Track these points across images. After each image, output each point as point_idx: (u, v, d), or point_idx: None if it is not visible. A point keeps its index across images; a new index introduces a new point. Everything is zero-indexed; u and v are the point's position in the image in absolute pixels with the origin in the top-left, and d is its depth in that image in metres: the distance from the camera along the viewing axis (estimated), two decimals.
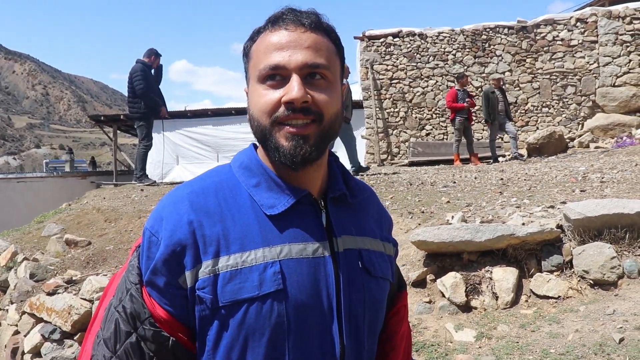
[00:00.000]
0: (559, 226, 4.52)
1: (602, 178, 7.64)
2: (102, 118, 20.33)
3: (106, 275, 5.58)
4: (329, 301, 1.10)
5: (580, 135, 13.53)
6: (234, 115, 17.95)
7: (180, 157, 17.87)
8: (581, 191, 6.63)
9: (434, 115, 14.69)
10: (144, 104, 10.16)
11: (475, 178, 8.82)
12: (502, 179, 8.44)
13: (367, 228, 1.25)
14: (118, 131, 20.20)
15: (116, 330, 1.08)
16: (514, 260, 4.44)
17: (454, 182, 8.33)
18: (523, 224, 4.58)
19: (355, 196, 1.26)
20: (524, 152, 12.88)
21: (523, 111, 14.15)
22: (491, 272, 4.36)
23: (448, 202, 6.21)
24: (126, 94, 10.38)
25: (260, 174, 1.14)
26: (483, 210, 5.42)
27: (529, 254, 4.42)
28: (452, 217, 5.10)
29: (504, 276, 4.27)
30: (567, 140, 13.31)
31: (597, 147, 12.67)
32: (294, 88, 1.06)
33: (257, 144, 1.21)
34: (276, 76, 1.08)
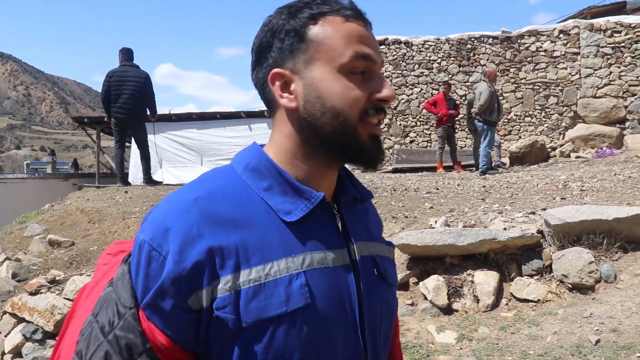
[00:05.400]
0: (540, 231, 4.61)
1: (582, 187, 7.77)
2: (85, 120, 20.17)
3: (90, 275, 5.57)
4: (352, 313, 1.01)
5: (561, 145, 13.70)
6: (219, 120, 17.92)
7: (164, 161, 17.80)
8: (561, 199, 6.75)
9: (418, 123, 14.81)
10: (152, 108, 10.39)
11: (458, 185, 8.92)
12: (484, 186, 8.55)
13: (373, 233, 1.18)
14: (102, 133, 20.07)
15: None
16: (495, 264, 4.52)
17: (437, 189, 8.42)
18: (504, 229, 4.66)
19: (363, 200, 1.17)
20: (506, 160, 13.03)
21: (506, 120, 14.32)
22: (473, 275, 4.43)
23: (431, 207, 6.29)
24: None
25: (271, 176, 1.01)
26: (465, 216, 5.50)
27: (509, 258, 4.51)
28: (436, 221, 5.17)
29: (485, 280, 4.35)
30: (549, 150, 13.48)
31: (577, 157, 12.85)
32: (387, 86, 1.01)
33: (259, 143, 1.09)
34: (362, 71, 1.00)
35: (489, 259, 4.52)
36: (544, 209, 5.47)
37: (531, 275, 4.40)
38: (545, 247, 4.52)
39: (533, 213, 5.27)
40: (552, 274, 4.36)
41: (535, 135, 13.95)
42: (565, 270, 4.25)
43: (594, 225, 4.37)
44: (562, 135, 14.09)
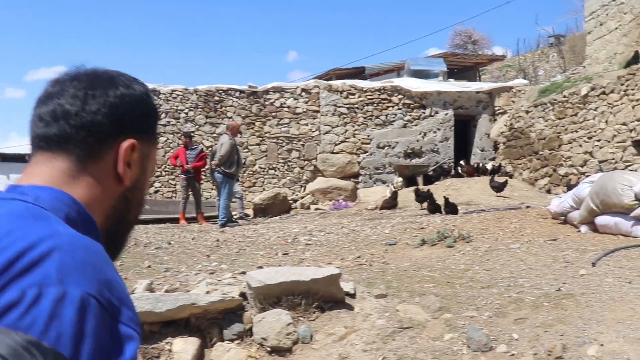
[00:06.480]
0: (243, 294, 4.56)
1: (309, 240, 8.09)
2: None
3: None
4: None
5: (302, 197, 14.40)
6: None
7: None
8: (284, 254, 6.92)
9: (164, 173, 14.47)
10: None
11: (193, 239, 8.72)
12: (218, 240, 8.47)
13: None
14: None
15: None
16: (197, 329, 4.34)
17: (170, 243, 8.13)
18: (208, 292, 4.54)
19: None
20: (250, 212, 13.25)
21: (251, 172, 14.67)
22: (171, 343, 4.20)
23: (149, 266, 5.98)
24: None
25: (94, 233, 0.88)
26: (177, 277, 5.30)
27: (211, 323, 4.37)
28: (141, 284, 4.87)
29: (184, 347, 4.14)
30: (291, 202, 14.06)
31: (317, 209, 13.58)
32: None
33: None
34: None
35: (190, 324, 4.34)
36: (261, 267, 5.50)
37: (232, 340, 4.30)
38: (247, 309, 4.47)
39: (243, 273, 5.24)
40: (252, 338, 4.31)
41: (279, 187, 14.49)
42: (264, 333, 4.23)
43: (292, 287, 4.44)
44: (303, 188, 14.84)
